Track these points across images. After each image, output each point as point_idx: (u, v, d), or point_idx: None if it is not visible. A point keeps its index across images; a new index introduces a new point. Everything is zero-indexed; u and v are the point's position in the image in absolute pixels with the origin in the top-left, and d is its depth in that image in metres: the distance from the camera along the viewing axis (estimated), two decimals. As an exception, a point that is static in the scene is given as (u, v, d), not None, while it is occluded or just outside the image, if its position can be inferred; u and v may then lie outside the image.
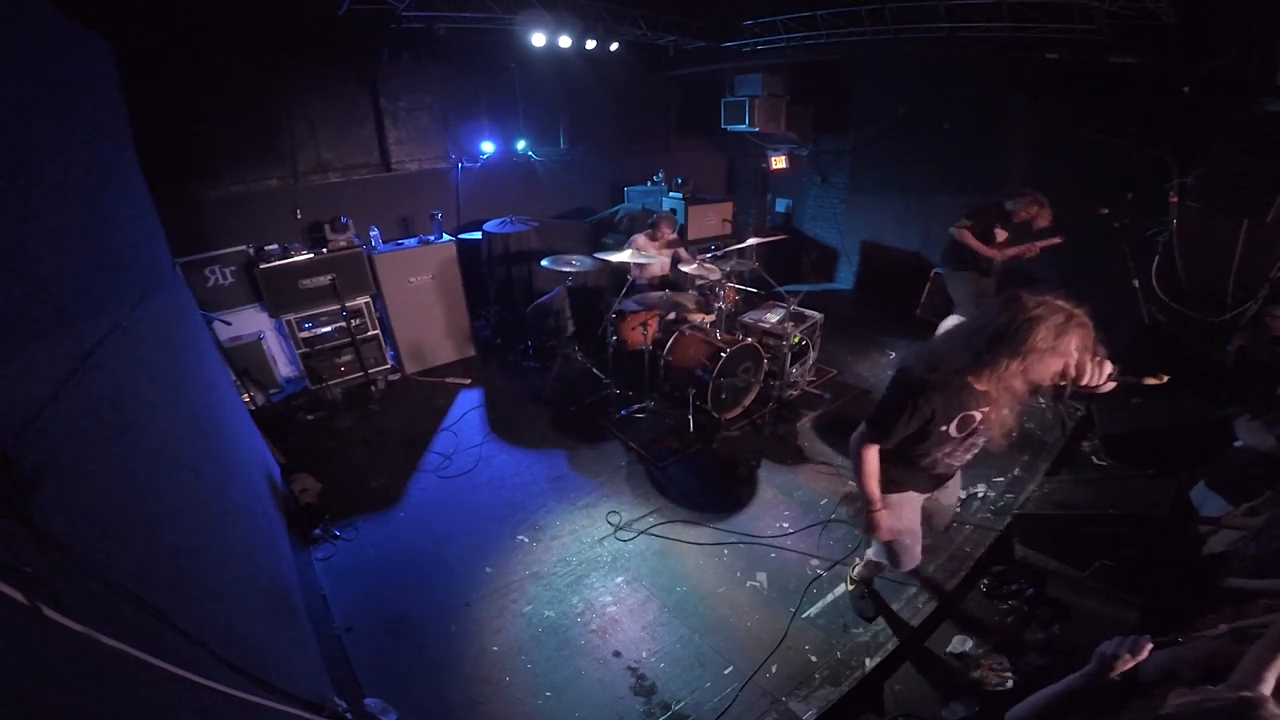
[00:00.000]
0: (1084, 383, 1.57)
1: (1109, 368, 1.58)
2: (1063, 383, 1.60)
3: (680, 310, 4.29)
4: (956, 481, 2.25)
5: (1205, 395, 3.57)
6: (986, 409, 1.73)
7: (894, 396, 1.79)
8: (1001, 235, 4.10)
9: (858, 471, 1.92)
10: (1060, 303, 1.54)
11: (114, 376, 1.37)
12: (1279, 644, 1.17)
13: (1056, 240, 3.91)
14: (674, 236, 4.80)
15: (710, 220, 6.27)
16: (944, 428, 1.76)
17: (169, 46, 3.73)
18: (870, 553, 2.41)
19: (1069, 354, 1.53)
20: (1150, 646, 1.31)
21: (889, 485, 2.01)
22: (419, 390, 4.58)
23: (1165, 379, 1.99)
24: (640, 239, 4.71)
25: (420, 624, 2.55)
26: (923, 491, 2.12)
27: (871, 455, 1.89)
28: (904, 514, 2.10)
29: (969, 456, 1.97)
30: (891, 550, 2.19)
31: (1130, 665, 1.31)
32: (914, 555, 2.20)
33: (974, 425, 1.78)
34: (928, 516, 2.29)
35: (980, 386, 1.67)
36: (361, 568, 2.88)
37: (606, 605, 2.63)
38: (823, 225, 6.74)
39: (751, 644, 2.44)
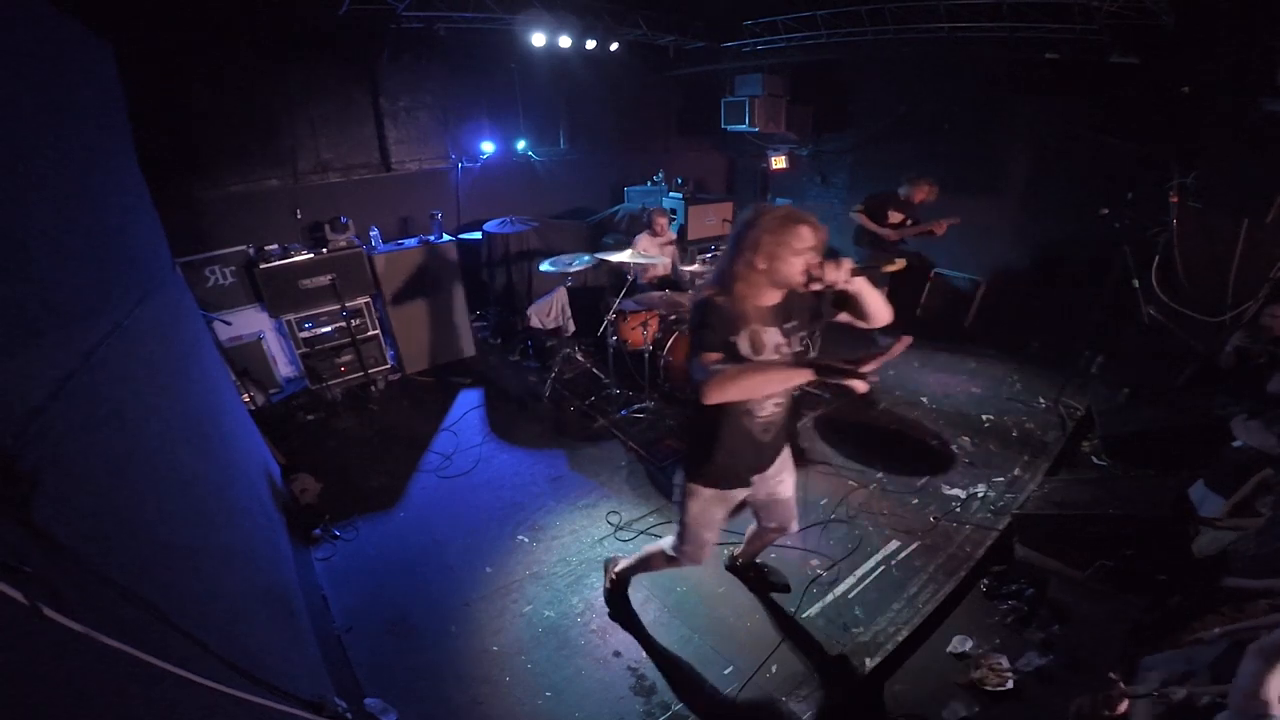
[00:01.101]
0: (827, 279, 1.67)
1: (848, 263, 1.69)
2: (813, 285, 1.70)
3: (680, 310, 4.29)
4: (788, 466, 2.20)
5: (1205, 395, 3.57)
6: (772, 328, 1.78)
7: (692, 328, 1.78)
8: (896, 217, 4.54)
9: (731, 379, 1.62)
10: (780, 206, 1.71)
11: (114, 376, 1.37)
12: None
13: (955, 220, 4.38)
14: (673, 236, 4.80)
15: (710, 220, 6.27)
16: (733, 339, 1.72)
17: (169, 46, 3.73)
18: (665, 543, 2.28)
19: (800, 250, 1.66)
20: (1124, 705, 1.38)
21: (721, 474, 1.96)
22: (419, 390, 4.58)
23: (903, 264, 2.32)
24: (643, 239, 4.72)
25: (420, 624, 2.55)
26: (749, 469, 2.02)
27: (712, 369, 1.65)
28: (717, 510, 2.06)
29: (771, 407, 1.89)
30: (684, 537, 2.13)
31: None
32: (703, 553, 2.15)
33: (764, 345, 1.77)
34: (767, 514, 2.30)
35: (753, 300, 1.74)
36: (361, 568, 2.88)
37: (606, 605, 2.63)
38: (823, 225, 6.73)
39: (751, 644, 2.44)
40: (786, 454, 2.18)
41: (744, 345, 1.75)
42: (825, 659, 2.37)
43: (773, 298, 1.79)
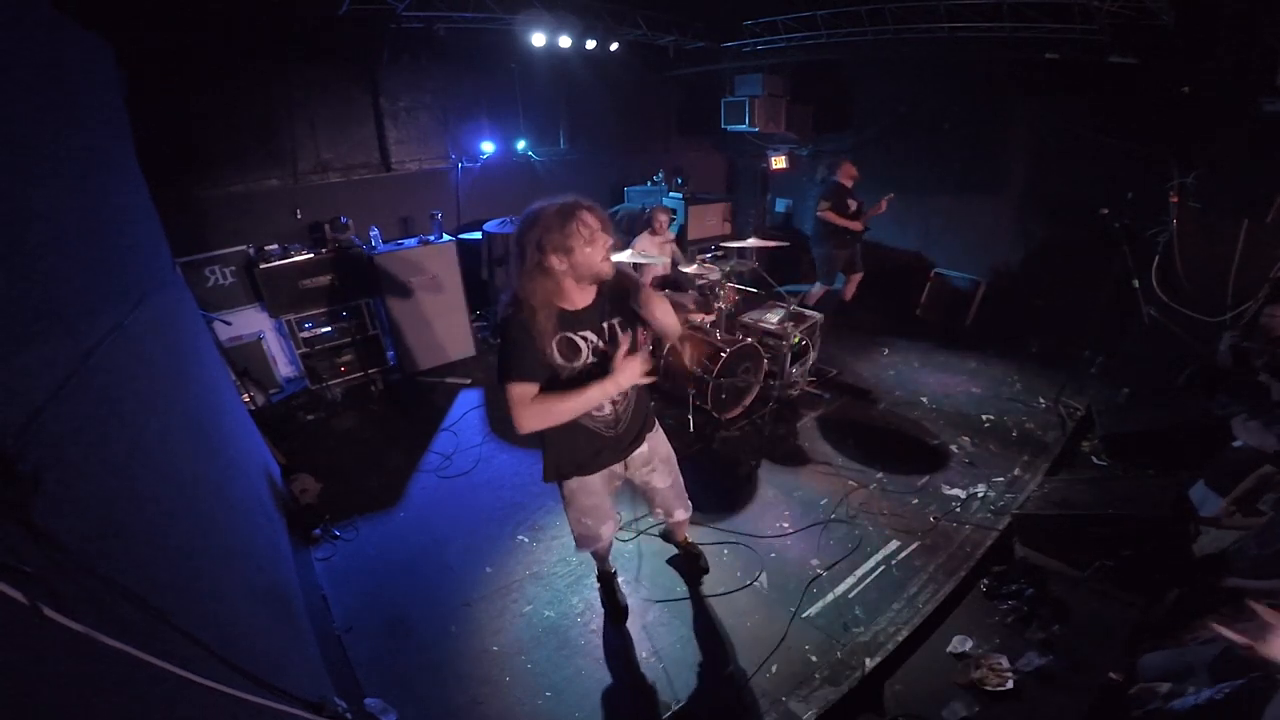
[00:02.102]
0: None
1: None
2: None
3: (680, 310, 4.28)
4: (660, 456, 2.19)
5: (1205, 395, 3.57)
6: (586, 331, 1.73)
7: (500, 356, 1.70)
8: (854, 205, 5.01)
9: (541, 414, 1.67)
10: (552, 201, 1.65)
11: (114, 376, 1.37)
12: None
13: (890, 196, 4.86)
14: (672, 235, 4.80)
15: (710, 220, 6.28)
16: (546, 351, 1.67)
17: (169, 47, 3.73)
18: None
19: (592, 237, 1.61)
20: None
21: (564, 467, 1.96)
22: (419, 390, 4.58)
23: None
24: (643, 239, 4.71)
25: (420, 624, 2.55)
26: (600, 462, 1.98)
27: (521, 402, 1.64)
28: (584, 499, 2.07)
29: (610, 407, 1.86)
30: (573, 530, 2.19)
31: None
32: (596, 535, 2.18)
33: (580, 350, 1.72)
34: (650, 502, 2.33)
35: (559, 304, 1.68)
36: (361, 568, 2.88)
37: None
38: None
39: (752, 644, 2.43)
40: (657, 443, 2.17)
41: (555, 356, 1.68)
42: (825, 659, 2.37)
43: (585, 298, 1.72)
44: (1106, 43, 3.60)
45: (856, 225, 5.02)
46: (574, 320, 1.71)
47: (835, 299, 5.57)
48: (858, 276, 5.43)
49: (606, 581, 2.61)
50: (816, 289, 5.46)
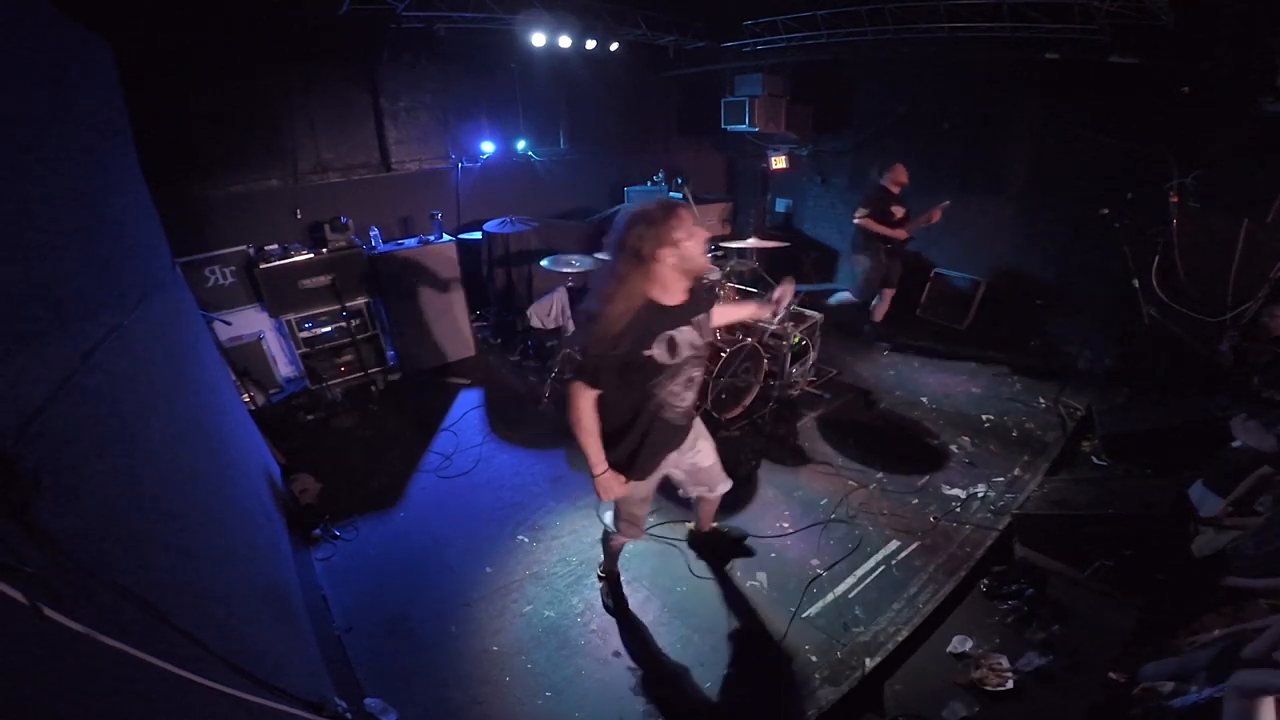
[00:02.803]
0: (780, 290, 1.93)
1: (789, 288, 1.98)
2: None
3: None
4: (701, 434, 2.26)
5: (1205, 395, 3.57)
6: (684, 326, 1.80)
7: (584, 339, 1.78)
8: (899, 211, 4.53)
9: (575, 425, 1.84)
10: (644, 202, 1.72)
11: (114, 377, 1.36)
12: None
13: (946, 203, 4.36)
14: None
15: (710, 220, 6.28)
16: (647, 353, 1.74)
17: (169, 47, 3.73)
18: (606, 518, 2.39)
19: (694, 230, 1.69)
20: None
21: (633, 456, 1.97)
22: (419, 390, 4.58)
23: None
24: None
25: (420, 624, 2.56)
26: (663, 449, 2.05)
27: (584, 402, 1.79)
28: (642, 489, 2.12)
29: (691, 395, 1.98)
30: (618, 515, 2.25)
31: None
32: (643, 523, 2.27)
33: (679, 346, 1.80)
34: (695, 481, 2.38)
35: (664, 302, 1.74)
36: (361, 568, 2.88)
37: (605, 610, 2.63)
38: (823, 225, 6.74)
39: (751, 644, 2.43)
40: (698, 424, 2.24)
41: (660, 353, 1.74)
42: (825, 659, 2.37)
43: (681, 295, 1.78)
44: (1106, 43, 3.60)
45: (900, 234, 4.55)
46: (673, 316, 1.77)
47: (864, 319, 5.13)
48: (890, 292, 4.92)
49: (616, 579, 2.64)
50: (847, 298, 5.10)
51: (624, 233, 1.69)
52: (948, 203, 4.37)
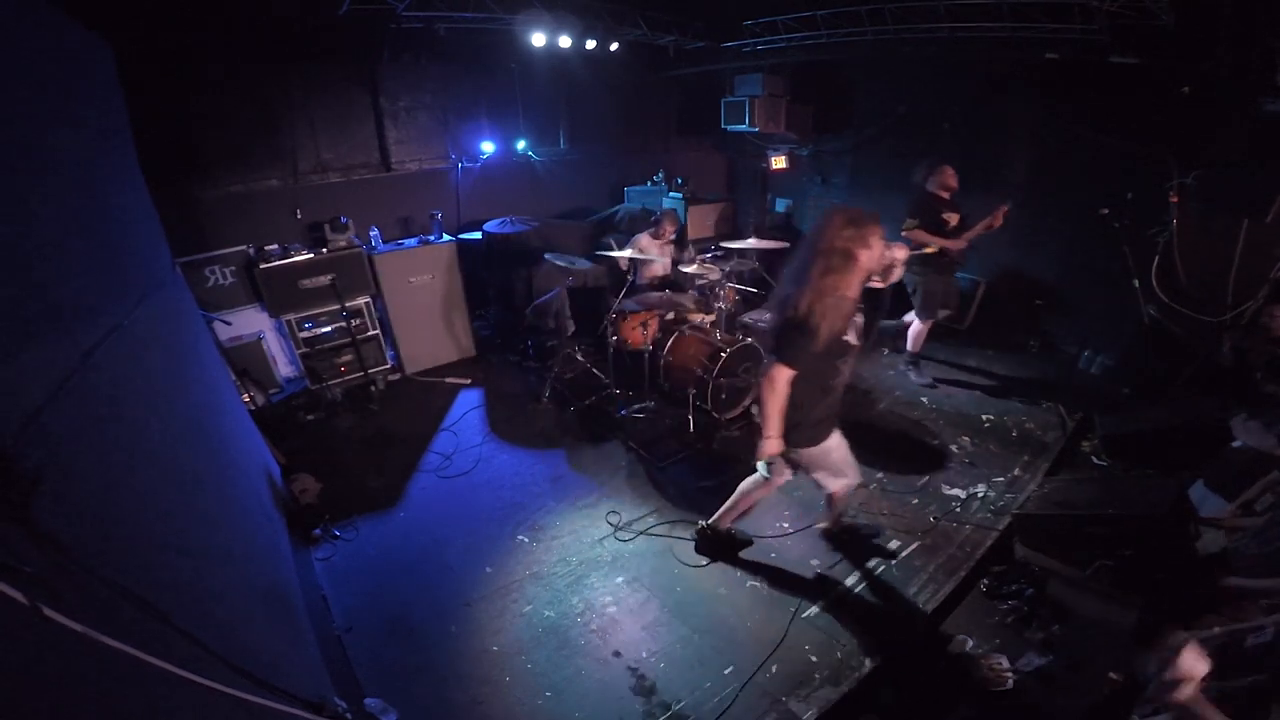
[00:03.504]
0: (893, 255, 2.12)
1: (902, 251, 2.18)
2: (888, 259, 2.10)
3: (680, 310, 4.28)
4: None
5: (1205, 395, 3.57)
6: (858, 315, 2.17)
7: (786, 327, 2.06)
8: (953, 218, 4.04)
9: (768, 398, 2.11)
10: (836, 212, 2.03)
11: (114, 377, 1.37)
12: None
13: (1006, 207, 3.87)
14: (674, 238, 4.80)
15: (710, 220, 6.28)
16: (845, 337, 2.13)
17: (169, 47, 3.73)
18: (834, 483, 2.55)
19: (883, 238, 2.01)
20: None
21: (819, 424, 2.30)
22: (419, 390, 4.58)
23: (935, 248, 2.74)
24: (644, 239, 4.72)
25: (420, 624, 2.56)
26: (835, 418, 2.40)
27: (783, 382, 2.08)
28: (836, 449, 2.43)
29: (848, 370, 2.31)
30: (828, 473, 2.47)
31: None
32: (849, 471, 2.53)
33: (858, 330, 2.20)
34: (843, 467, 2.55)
35: (846, 293, 2.02)
36: (361, 568, 2.88)
37: (606, 605, 2.63)
38: (823, 225, 6.73)
39: (752, 644, 2.43)
40: None
41: (852, 337, 2.16)
42: (825, 659, 2.37)
43: (859, 289, 2.07)
44: (1106, 43, 3.59)
45: (957, 244, 3.99)
46: (854, 306, 2.10)
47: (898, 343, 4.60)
48: (943, 314, 4.37)
49: (730, 534, 2.88)
50: (912, 322, 4.39)
51: (833, 234, 1.97)
52: (1007, 206, 3.87)
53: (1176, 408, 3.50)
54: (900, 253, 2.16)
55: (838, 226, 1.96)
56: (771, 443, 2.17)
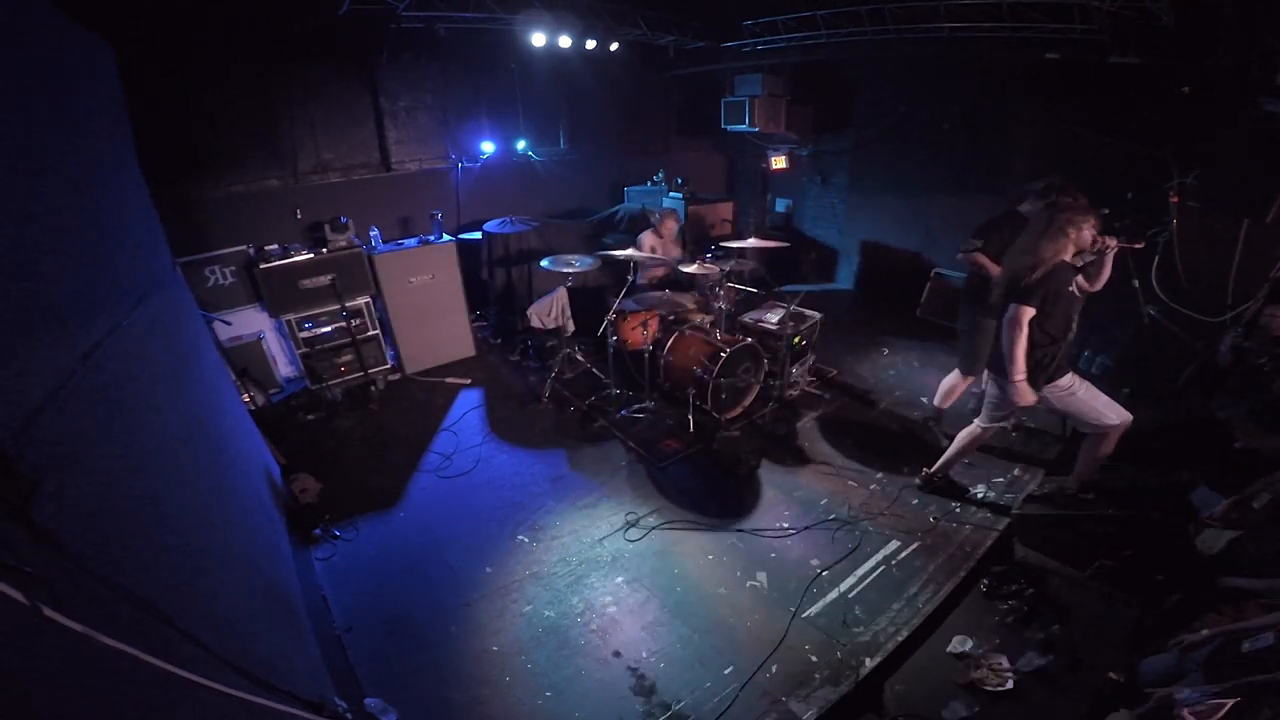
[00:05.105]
0: (1102, 247, 2.61)
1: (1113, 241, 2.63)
2: (1095, 247, 2.60)
3: (680, 310, 4.28)
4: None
5: (1205, 395, 3.57)
6: (1078, 276, 2.65)
7: (1035, 282, 2.55)
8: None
9: (1013, 342, 2.57)
10: (1065, 200, 2.78)
11: (114, 376, 1.36)
12: None
13: (1138, 244, 2.86)
14: (676, 238, 4.80)
15: (710, 220, 6.28)
16: (1070, 288, 2.60)
17: (170, 47, 3.73)
18: (1104, 411, 2.76)
19: (1092, 224, 2.54)
20: None
21: (1052, 360, 2.68)
22: (419, 390, 4.58)
23: (1143, 244, 2.92)
24: (647, 239, 4.72)
25: (420, 624, 2.56)
26: (1067, 364, 2.77)
27: (1025, 317, 2.54)
28: (1080, 386, 2.78)
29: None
30: (1100, 415, 2.73)
31: None
32: (1116, 408, 2.78)
33: (1081, 286, 2.68)
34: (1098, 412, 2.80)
35: (1066, 259, 2.55)
36: (362, 568, 2.88)
37: (606, 605, 2.63)
38: (823, 225, 6.74)
39: (752, 644, 2.44)
40: None
41: (1074, 290, 2.62)
42: (825, 659, 2.37)
43: (1075, 260, 2.59)
44: (1106, 43, 3.59)
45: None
46: (1073, 270, 2.59)
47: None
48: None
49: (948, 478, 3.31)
50: (953, 380, 3.73)
51: (1060, 217, 2.55)
52: (1140, 244, 2.91)
53: (1176, 408, 3.49)
54: (1111, 241, 2.61)
55: (1066, 211, 2.56)
56: (1020, 383, 2.61)
